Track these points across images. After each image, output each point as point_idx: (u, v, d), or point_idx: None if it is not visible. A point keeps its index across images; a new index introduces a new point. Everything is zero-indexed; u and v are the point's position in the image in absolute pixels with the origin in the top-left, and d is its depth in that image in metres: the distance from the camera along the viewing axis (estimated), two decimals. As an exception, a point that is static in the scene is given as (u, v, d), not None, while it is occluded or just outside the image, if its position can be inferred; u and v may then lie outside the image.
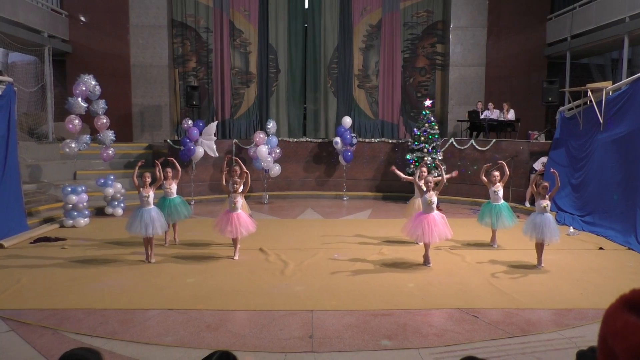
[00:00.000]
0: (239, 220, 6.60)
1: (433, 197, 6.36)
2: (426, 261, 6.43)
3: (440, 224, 6.30)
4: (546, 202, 6.25)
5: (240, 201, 6.75)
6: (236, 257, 6.69)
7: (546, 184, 6.38)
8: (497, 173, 7.35)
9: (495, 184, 7.29)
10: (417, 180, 6.92)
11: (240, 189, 6.76)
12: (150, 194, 6.50)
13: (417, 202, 7.55)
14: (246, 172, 6.85)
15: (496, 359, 3.86)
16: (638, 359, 0.73)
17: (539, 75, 13.92)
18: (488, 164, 7.82)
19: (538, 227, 6.18)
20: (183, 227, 7.92)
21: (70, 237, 7.90)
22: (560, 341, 4.19)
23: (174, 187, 7.33)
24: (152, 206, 6.50)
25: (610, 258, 6.91)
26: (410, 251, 7.13)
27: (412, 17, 14.05)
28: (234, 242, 6.75)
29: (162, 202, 7.21)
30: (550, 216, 6.32)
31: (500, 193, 7.29)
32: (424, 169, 7.47)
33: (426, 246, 6.42)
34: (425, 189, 6.44)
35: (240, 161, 7.89)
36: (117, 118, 12.10)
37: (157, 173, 7.04)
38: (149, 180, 6.61)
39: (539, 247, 6.34)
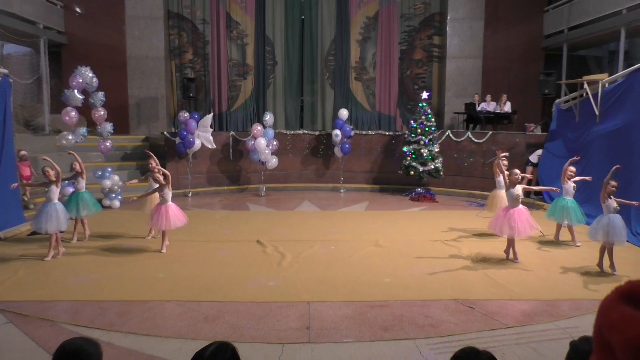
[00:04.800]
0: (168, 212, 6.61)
1: (520, 191, 6.31)
2: (515, 257, 6.30)
3: (527, 218, 6.22)
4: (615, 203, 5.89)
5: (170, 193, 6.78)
6: (164, 251, 6.63)
7: (614, 183, 5.88)
8: (573, 169, 7.25)
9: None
10: (505, 174, 6.51)
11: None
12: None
13: (500, 194, 7.49)
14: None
15: (492, 349, 3.85)
16: (635, 351, 0.72)
17: (536, 67, 13.88)
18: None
19: (610, 229, 5.77)
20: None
21: (68, 231, 7.85)
22: (555, 331, 4.22)
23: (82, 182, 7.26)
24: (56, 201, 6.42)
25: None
26: (407, 243, 7.16)
27: (410, 9, 13.96)
28: (163, 234, 6.73)
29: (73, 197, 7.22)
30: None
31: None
32: (505, 162, 7.24)
33: (511, 242, 6.31)
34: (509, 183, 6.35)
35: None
36: (113, 110, 12.00)
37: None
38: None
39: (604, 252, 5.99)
